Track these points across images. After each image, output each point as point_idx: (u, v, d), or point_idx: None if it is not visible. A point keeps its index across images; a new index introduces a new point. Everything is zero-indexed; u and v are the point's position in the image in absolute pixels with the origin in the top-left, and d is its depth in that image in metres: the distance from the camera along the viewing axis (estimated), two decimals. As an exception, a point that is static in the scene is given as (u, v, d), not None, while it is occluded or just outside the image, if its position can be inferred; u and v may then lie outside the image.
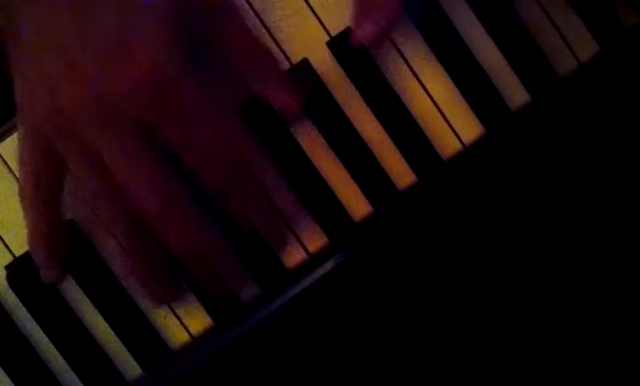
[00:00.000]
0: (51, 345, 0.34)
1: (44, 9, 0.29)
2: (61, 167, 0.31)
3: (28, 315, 0.34)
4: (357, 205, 0.34)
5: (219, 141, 0.30)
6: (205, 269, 0.33)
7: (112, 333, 0.34)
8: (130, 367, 0.35)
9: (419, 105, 0.34)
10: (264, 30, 0.33)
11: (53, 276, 0.34)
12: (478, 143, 0.34)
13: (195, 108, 0.30)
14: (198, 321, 0.35)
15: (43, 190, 0.32)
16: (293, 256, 0.34)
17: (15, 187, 0.33)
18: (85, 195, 0.32)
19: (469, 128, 0.34)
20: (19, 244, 0.34)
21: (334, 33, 0.33)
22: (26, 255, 0.34)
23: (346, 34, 0.33)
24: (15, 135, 0.32)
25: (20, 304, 0.34)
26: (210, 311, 0.34)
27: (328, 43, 0.33)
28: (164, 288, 0.34)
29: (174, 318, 0.35)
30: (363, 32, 0.32)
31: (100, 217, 0.32)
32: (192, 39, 0.30)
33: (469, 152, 0.34)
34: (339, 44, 0.33)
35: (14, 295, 0.34)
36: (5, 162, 0.34)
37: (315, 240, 0.34)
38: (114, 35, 0.28)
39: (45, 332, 0.34)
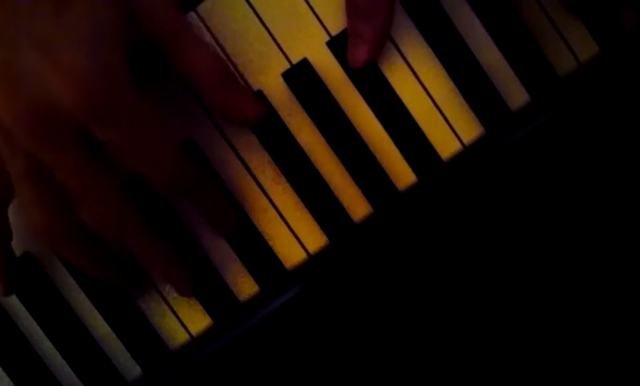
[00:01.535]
0: (51, 345, 0.34)
1: None
2: (8, 181, 0.30)
3: (28, 315, 0.34)
4: (357, 205, 0.34)
5: (161, 145, 0.29)
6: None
7: (112, 333, 0.34)
8: (130, 367, 0.35)
9: (419, 105, 0.34)
10: (264, 31, 0.33)
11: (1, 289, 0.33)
12: (478, 143, 0.34)
13: (135, 110, 0.28)
14: (197, 321, 0.35)
15: None
16: (293, 256, 0.34)
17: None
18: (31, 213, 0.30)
19: (469, 128, 0.34)
20: (18, 244, 0.34)
21: (334, 33, 0.33)
22: (26, 255, 0.34)
23: (346, 34, 0.33)
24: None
25: (20, 304, 0.34)
26: (209, 311, 0.34)
27: (328, 43, 0.33)
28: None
29: (174, 318, 0.35)
30: (354, 60, 0.33)
31: (53, 233, 0.30)
32: (138, 41, 0.29)
33: (469, 152, 0.34)
34: (339, 44, 0.33)
35: (14, 295, 0.34)
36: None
37: (315, 240, 0.34)
38: (47, 35, 0.26)
39: (45, 332, 0.34)
